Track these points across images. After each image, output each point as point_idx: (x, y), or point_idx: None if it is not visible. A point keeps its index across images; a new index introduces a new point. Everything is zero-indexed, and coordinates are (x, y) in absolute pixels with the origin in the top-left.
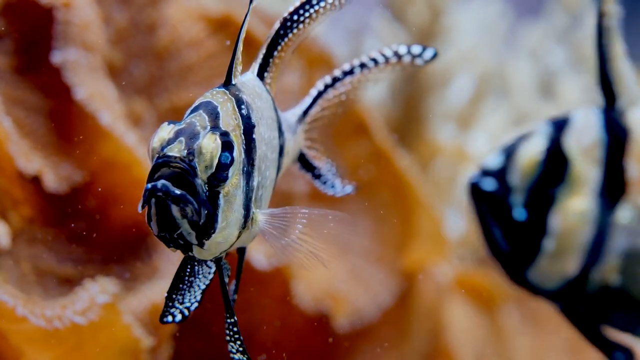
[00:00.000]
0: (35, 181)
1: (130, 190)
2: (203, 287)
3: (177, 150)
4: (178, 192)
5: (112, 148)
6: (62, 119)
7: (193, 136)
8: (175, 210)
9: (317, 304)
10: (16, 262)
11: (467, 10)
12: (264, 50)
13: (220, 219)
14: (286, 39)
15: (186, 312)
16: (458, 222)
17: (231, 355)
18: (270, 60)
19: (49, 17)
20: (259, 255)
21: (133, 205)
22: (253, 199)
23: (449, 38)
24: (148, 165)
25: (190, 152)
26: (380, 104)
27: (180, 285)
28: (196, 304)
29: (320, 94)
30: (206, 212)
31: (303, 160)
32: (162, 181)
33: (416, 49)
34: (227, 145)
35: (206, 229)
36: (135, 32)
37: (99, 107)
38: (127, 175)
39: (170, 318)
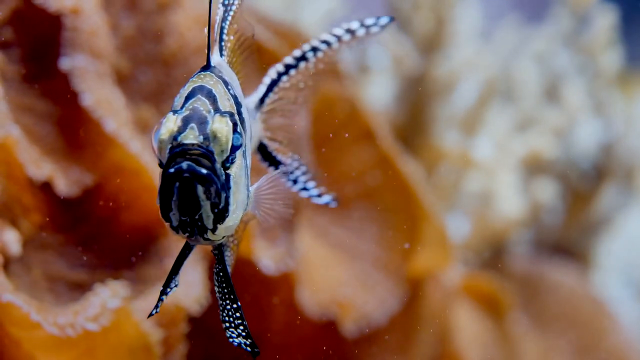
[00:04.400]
0: (45, 187)
1: (138, 196)
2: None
3: (192, 137)
4: (205, 171)
5: (119, 155)
6: (71, 125)
7: (203, 121)
8: (200, 190)
9: (323, 310)
10: (27, 268)
11: (470, 15)
12: (218, 32)
13: (231, 201)
14: (226, 21)
15: (164, 298)
16: (462, 226)
17: (231, 340)
18: (222, 43)
19: (57, 24)
20: (267, 261)
21: (142, 210)
22: (250, 178)
23: (455, 44)
24: (154, 162)
25: (206, 137)
26: (385, 109)
27: (173, 276)
28: (175, 289)
29: (274, 82)
30: (225, 195)
31: (264, 152)
32: (187, 162)
33: (370, 20)
34: (235, 127)
35: (222, 213)
36: (142, 39)
37: (105, 114)
38: (134, 181)
39: (155, 311)
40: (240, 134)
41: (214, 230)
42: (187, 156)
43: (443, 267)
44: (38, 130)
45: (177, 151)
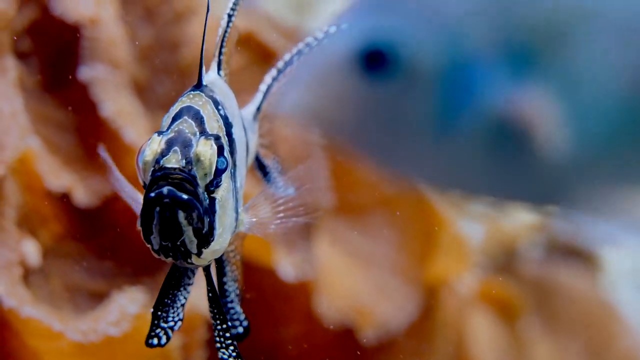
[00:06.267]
0: (64, 198)
1: None
2: (183, 301)
3: (174, 161)
4: (185, 197)
5: None
6: (89, 135)
7: (187, 144)
8: (181, 216)
9: (342, 317)
10: (46, 279)
11: None
12: (219, 49)
13: (217, 225)
14: (226, 34)
15: (170, 334)
16: (476, 230)
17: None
18: (221, 57)
19: (75, 34)
20: (286, 268)
21: None
22: (239, 200)
23: None
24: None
25: (189, 161)
26: None
27: (166, 300)
28: (180, 323)
29: (269, 89)
30: (208, 220)
31: (257, 159)
32: (168, 187)
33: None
34: (221, 150)
35: (206, 237)
36: (159, 49)
37: (124, 124)
38: None
39: (155, 340)
40: (225, 157)
41: (199, 254)
42: (169, 180)
43: (460, 273)
44: (57, 140)
45: (158, 175)
